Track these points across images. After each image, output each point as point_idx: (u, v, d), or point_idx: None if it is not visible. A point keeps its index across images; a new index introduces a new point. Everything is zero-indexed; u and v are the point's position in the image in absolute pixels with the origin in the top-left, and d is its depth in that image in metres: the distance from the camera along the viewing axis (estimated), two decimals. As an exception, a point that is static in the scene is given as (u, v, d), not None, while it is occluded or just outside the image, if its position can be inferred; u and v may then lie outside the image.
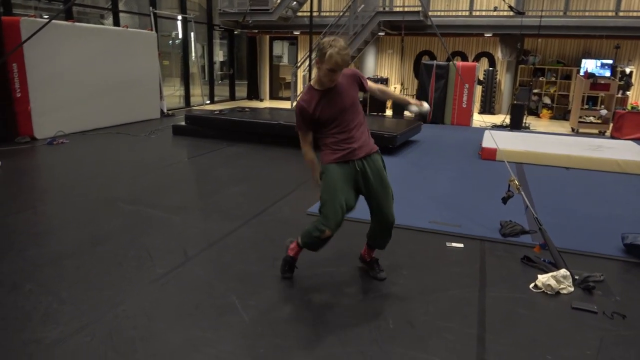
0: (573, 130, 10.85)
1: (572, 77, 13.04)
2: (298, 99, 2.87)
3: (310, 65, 11.75)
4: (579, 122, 10.66)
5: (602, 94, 10.75)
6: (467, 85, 10.72)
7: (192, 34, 12.97)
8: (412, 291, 3.06)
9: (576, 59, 13.22)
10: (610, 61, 12.53)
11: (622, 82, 12.13)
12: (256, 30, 14.66)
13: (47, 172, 6.06)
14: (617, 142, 8.47)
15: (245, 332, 2.54)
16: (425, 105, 3.17)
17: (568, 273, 3.16)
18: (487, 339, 2.56)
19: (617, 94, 11.42)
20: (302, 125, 2.91)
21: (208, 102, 14.17)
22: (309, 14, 11.41)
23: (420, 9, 11.82)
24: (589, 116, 10.70)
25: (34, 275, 3.10)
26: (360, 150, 2.89)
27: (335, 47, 2.65)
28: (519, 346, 2.50)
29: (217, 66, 15.29)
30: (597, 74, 11.25)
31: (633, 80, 12.64)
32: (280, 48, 16.76)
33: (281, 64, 16.52)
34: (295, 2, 13.28)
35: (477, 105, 13.36)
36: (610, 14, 12.64)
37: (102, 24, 11.09)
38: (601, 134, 10.36)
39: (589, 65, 12.61)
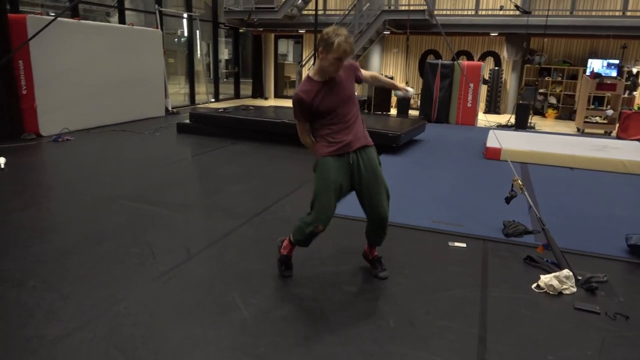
0: (579, 130, 10.79)
1: (578, 77, 12.97)
2: (296, 89, 2.88)
3: (315, 64, 11.73)
4: (585, 122, 10.61)
5: (608, 94, 10.69)
6: (471, 85, 10.68)
7: (197, 32, 12.99)
8: (413, 290, 3.06)
9: (582, 58, 13.15)
10: (616, 61, 12.45)
11: (628, 83, 12.05)
12: (261, 29, 14.67)
13: (52, 169, 6.09)
14: (623, 142, 8.42)
15: (246, 330, 2.54)
16: (410, 91, 3.26)
17: (571, 273, 3.15)
18: (488, 339, 2.56)
19: (624, 94, 11.34)
20: (299, 116, 2.90)
21: (213, 100, 14.19)
22: (314, 12, 11.41)
23: (425, 7, 11.78)
24: (595, 116, 10.64)
25: (37, 271, 3.12)
26: (355, 142, 2.91)
27: (341, 36, 2.68)
28: (520, 346, 2.49)
29: (222, 64, 15.30)
30: (603, 74, 11.18)
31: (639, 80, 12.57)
32: (286, 46, 16.76)
33: (286, 62, 16.52)
34: (300, 1, 13.26)
35: (482, 105, 13.32)
36: (617, 13, 12.56)
37: (108, 21, 11.13)
38: (607, 135, 10.30)
39: (596, 65, 12.53)
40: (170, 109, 11.15)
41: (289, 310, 2.78)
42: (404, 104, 11.76)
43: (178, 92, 13.15)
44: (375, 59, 13.85)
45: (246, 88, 16.21)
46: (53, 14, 9.13)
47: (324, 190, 2.88)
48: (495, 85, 13.39)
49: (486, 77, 13.30)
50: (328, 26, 2.85)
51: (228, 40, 15.59)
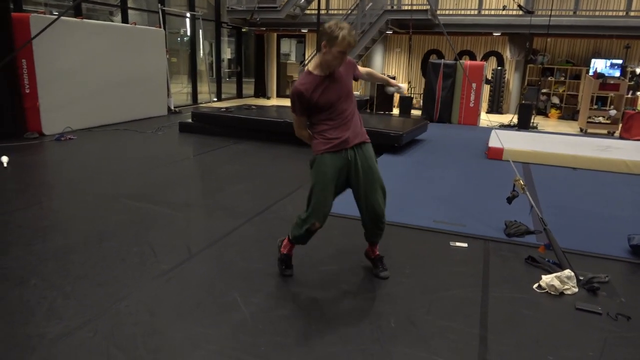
0: (581, 130, 10.76)
1: (582, 77, 12.93)
2: (295, 83, 2.88)
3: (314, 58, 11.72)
4: (588, 122, 10.58)
5: (611, 94, 10.65)
6: (474, 85, 10.66)
7: (200, 31, 13.01)
8: (414, 290, 3.05)
9: (586, 58, 13.11)
10: (620, 61, 12.41)
11: (632, 83, 12.00)
12: (264, 28, 14.68)
13: (55, 167, 6.11)
14: (626, 142, 8.39)
15: (246, 330, 2.54)
16: (402, 87, 3.29)
17: (572, 274, 3.14)
18: (489, 338, 2.55)
19: (627, 94, 11.29)
20: (297, 110, 2.89)
21: (215, 99, 14.21)
22: (316, 11, 11.41)
23: (428, 7, 11.77)
24: (598, 116, 10.60)
25: (39, 270, 3.13)
26: (353, 139, 2.91)
27: (345, 29, 2.69)
28: (521, 346, 2.49)
29: (224, 64, 15.31)
30: (606, 74, 11.14)
31: (643, 80, 12.51)
32: (288, 46, 16.77)
33: (288, 61, 16.52)
34: (303, 0, 13.27)
35: (484, 105, 13.30)
36: (620, 13, 12.52)
37: (112, 21, 11.15)
38: (610, 135, 10.27)
39: (599, 65, 12.50)
40: (172, 108, 11.17)
41: (289, 309, 2.78)
42: (406, 103, 11.74)
43: (180, 91, 13.17)
44: (377, 58, 13.85)
45: (248, 87, 16.22)
46: (56, 13, 9.16)
47: (321, 188, 2.90)
48: (498, 85, 13.37)
49: (489, 77, 13.27)
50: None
51: (231, 39, 15.60)
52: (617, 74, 11.96)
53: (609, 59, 12.66)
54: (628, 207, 5.01)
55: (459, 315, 2.77)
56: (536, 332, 2.63)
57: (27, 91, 7.48)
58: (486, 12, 13.41)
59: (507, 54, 13.29)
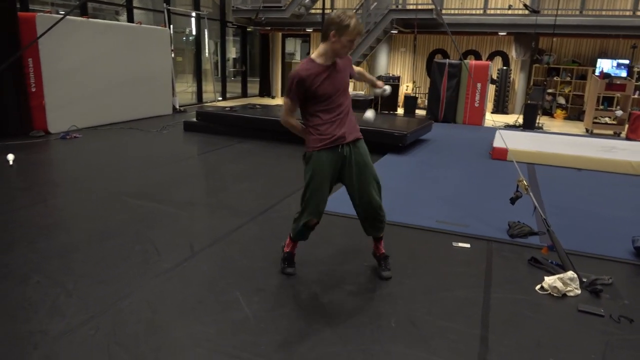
0: (587, 131, 10.70)
1: (588, 77, 12.85)
2: (296, 68, 2.83)
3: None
4: (594, 122, 10.51)
5: (617, 94, 10.59)
6: (479, 85, 10.63)
7: (205, 30, 13.03)
8: (416, 290, 3.05)
9: (592, 58, 13.03)
10: (626, 61, 12.33)
11: (638, 83, 11.92)
12: (269, 28, 14.69)
13: (60, 166, 6.14)
14: (632, 143, 8.34)
15: (247, 328, 2.55)
16: (387, 89, 3.27)
17: (575, 275, 3.12)
18: (490, 339, 2.55)
19: (634, 94, 11.23)
20: (293, 95, 2.82)
21: (220, 98, 14.23)
22: (321, 11, 11.40)
23: (433, 7, 11.74)
24: (604, 117, 10.54)
25: (42, 267, 3.15)
26: (349, 135, 2.92)
27: (354, 18, 2.75)
28: (522, 348, 2.48)
29: (229, 63, 15.34)
30: (613, 74, 11.07)
31: (650, 80, 12.43)
32: (293, 45, 16.78)
33: (293, 61, 16.52)
34: (307, 0, 13.27)
35: (490, 105, 13.25)
36: (627, 13, 12.43)
37: (118, 20, 11.20)
38: (616, 135, 10.20)
39: (605, 65, 12.42)
40: (177, 107, 11.20)
41: (290, 308, 2.79)
42: (410, 103, 11.73)
43: (185, 90, 13.20)
44: (382, 58, 13.83)
45: (253, 87, 16.24)
46: (62, 13, 9.21)
47: (318, 186, 2.91)
48: (503, 85, 13.32)
49: (494, 76, 13.22)
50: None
51: (236, 39, 15.63)
52: (624, 74, 11.88)
53: (616, 59, 12.58)
54: (633, 208, 4.98)
55: (460, 315, 2.76)
56: (538, 334, 2.62)
57: (33, 90, 7.52)
58: (492, 12, 13.36)
59: (513, 54, 13.23)
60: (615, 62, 12.51)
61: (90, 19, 8.64)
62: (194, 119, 8.70)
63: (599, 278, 3.18)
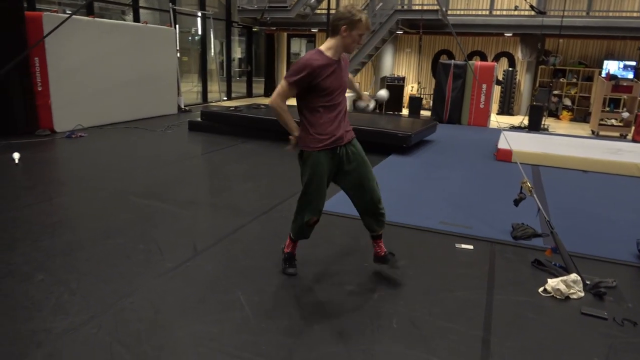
0: (593, 133, 10.64)
1: (594, 79, 12.79)
2: (308, 55, 2.77)
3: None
4: (600, 124, 10.45)
5: (624, 96, 10.52)
6: (484, 86, 10.59)
7: (211, 30, 13.07)
8: (417, 291, 3.05)
9: (598, 60, 12.96)
10: (633, 63, 12.27)
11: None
12: (274, 28, 14.71)
13: (65, 164, 6.18)
14: (638, 145, 8.30)
15: (248, 328, 2.56)
16: (371, 106, 3.28)
17: (579, 278, 3.11)
18: (492, 341, 2.54)
19: (640, 96, 11.15)
20: (296, 81, 2.73)
21: (225, 98, 14.27)
22: (326, 11, 11.41)
23: (438, 7, 11.72)
24: (611, 119, 10.48)
25: (46, 265, 3.17)
26: (345, 136, 2.95)
27: (364, 13, 2.79)
28: (524, 350, 2.47)
29: (235, 63, 15.38)
30: (619, 76, 11.01)
31: (657, 82, 12.34)
32: (298, 45, 16.79)
33: (299, 61, 16.53)
34: (313, 0, 13.28)
35: (495, 106, 13.21)
36: (634, 14, 12.35)
37: (124, 19, 11.25)
38: (622, 138, 10.14)
39: (612, 66, 12.35)
40: (182, 106, 11.23)
41: (291, 308, 2.79)
42: (415, 104, 11.70)
43: (191, 90, 13.25)
44: (387, 58, 13.81)
45: (259, 87, 16.27)
46: (69, 12, 9.26)
47: (317, 186, 2.93)
48: (509, 86, 13.27)
49: (500, 78, 13.17)
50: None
51: (241, 39, 15.66)
52: (631, 75, 11.82)
53: (622, 61, 12.51)
54: (637, 211, 4.95)
55: (462, 317, 2.76)
56: (540, 336, 2.61)
57: (39, 89, 7.57)
58: (497, 13, 13.32)
59: (519, 55, 13.18)
60: (622, 64, 12.44)
61: (97, 19, 8.68)
62: (199, 119, 8.72)
63: (602, 281, 3.16)
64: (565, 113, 13.07)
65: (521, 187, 4.08)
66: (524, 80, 13.52)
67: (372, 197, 3.02)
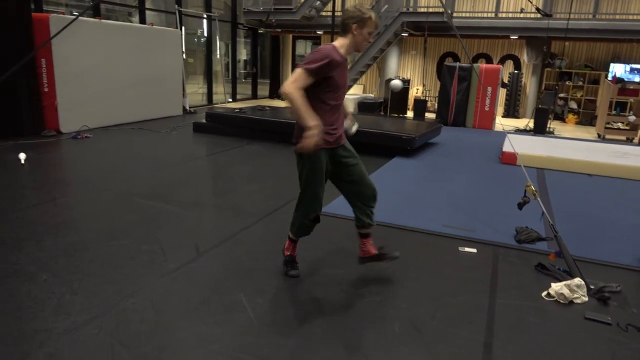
0: (599, 136, 10.59)
1: (600, 82, 12.73)
2: (328, 47, 2.74)
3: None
4: (606, 128, 10.40)
5: (631, 99, 10.48)
6: (489, 88, 10.56)
7: (216, 32, 13.11)
8: (420, 295, 3.04)
9: (605, 63, 12.90)
10: (640, 66, 12.20)
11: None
12: (279, 30, 14.74)
13: (70, 165, 6.21)
14: (645, 149, 8.23)
15: (250, 330, 2.55)
16: (353, 129, 3.27)
17: (582, 282, 3.09)
18: (494, 345, 2.52)
19: (647, 99, 11.08)
20: (314, 69, 2.64)
21: (230, 100, 14.30)
22: (332, 13, 11.42)
23: (443, 10, 11.70)
24: (617, 122, 10.43)
25: (49, 266, 3.18)
26: (341, 137, 3.01)
27: (371, 11, 2.83)
28: (526, 355, 2.46)
29: (240, 65, 15.41)
30: (626, 79, 10.95)
31: (664, 86, 12.26)
32: (303, 47, 16.82)
33: (304, 63, 16.55)
34: (318, 2, 13.30)
35: (500, 109, 13.17)
36: (642, 17, 12.30)
37: (130, 21, 11.30)
38: (629, 141, 10.08)
39: (618, 69, 12.29)
40: (187, 108, 11.28)
41: (293, 311, 2.79)
42: (420, 106, 11.69)
43: (196, 91, 13.29)
44: (392, 61, 13.81)
45: (264, 89, 16.30)
46: (76, 14, 9.31)
47: (318, 184, 2.98)
48: (514, 89, 13.23)
49: (505, 80, 13.13)
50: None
51: (247, 40, 15.70)
52: (637, 79, 11.75)
53: (629, 64, 12.44)
54: (644, 215, 4.92)
55: (465, 321, 2.74)
56: (543, 341, 2.59)
57: (46, 90, 7.62)
58: (503, 15, 13.29)
59: (525, 58, 13.14)
60: (628, 67, 12.38)
61: (103, 20, 8.74)
62: (204, 120, 8.75)
63: (607, 285, 3.14)
64: (571, 116, 13.01)
65: (525, 191, 4.07)
66: (529, 83, 13.48)
67: (372, 188, 3.09)
